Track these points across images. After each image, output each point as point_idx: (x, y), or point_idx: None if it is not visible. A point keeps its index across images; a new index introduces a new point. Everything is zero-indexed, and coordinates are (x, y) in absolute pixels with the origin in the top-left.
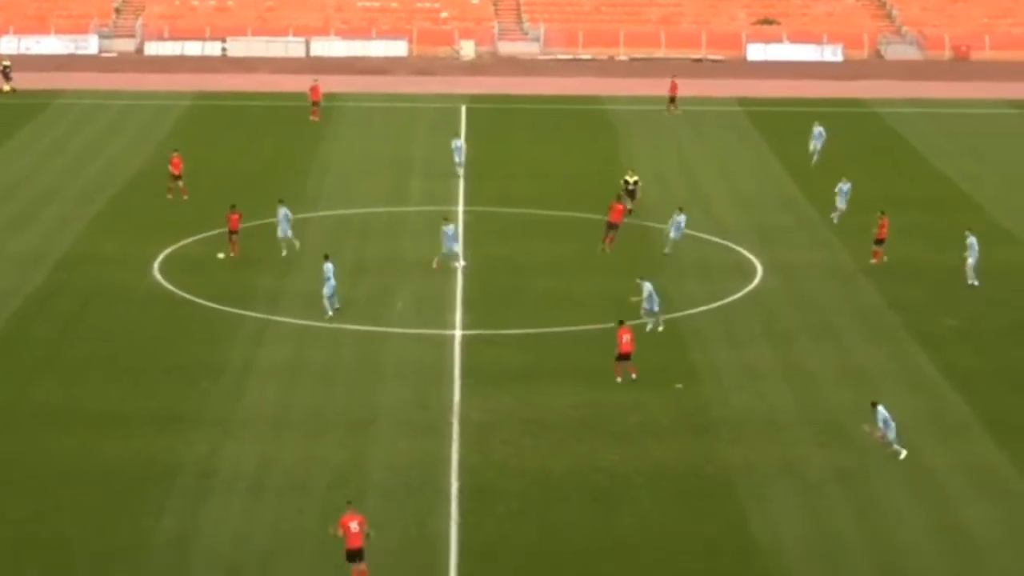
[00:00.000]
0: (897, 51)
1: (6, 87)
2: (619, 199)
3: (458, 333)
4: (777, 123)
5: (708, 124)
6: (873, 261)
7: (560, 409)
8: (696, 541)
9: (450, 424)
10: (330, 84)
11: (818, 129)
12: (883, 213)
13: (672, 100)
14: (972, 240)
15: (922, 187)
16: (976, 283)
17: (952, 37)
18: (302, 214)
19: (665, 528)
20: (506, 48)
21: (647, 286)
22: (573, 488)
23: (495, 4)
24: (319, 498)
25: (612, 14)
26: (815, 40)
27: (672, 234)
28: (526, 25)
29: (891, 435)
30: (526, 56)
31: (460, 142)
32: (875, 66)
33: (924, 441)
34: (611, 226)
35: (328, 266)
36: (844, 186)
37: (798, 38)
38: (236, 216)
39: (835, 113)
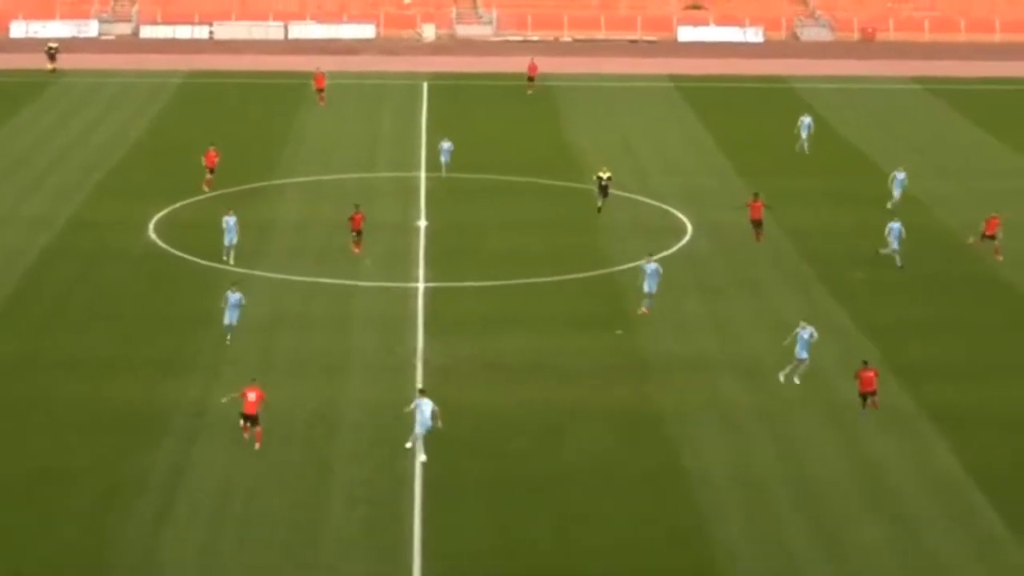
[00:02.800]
0: (811, 33)
1: (50, 66)
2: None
3: (421, 286)
4: (705, 97)
5: (643, 99)
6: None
7: (514, 353)
8: (634, 471)
9: (414, 367)
10: (306, 63)
11: (807, 120)
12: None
13: (531, 79)
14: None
15: (834, 155)
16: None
17: (860, 20)
18: (281, 179)
19: (606, 460)
20: (463, 31)
21: (651, 267)
22: (525, 424)
23: None
24: (299, 434)
25: (557, 0)
26: (738, 23)
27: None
28: (481, 10)
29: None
30: (481, 38)
31: (449, 144)
32: (791, 46)
33: (836, 382)
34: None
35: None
36: (900, 175)
37: (723, 21)
38: (360, 216)
39: (756, 88)
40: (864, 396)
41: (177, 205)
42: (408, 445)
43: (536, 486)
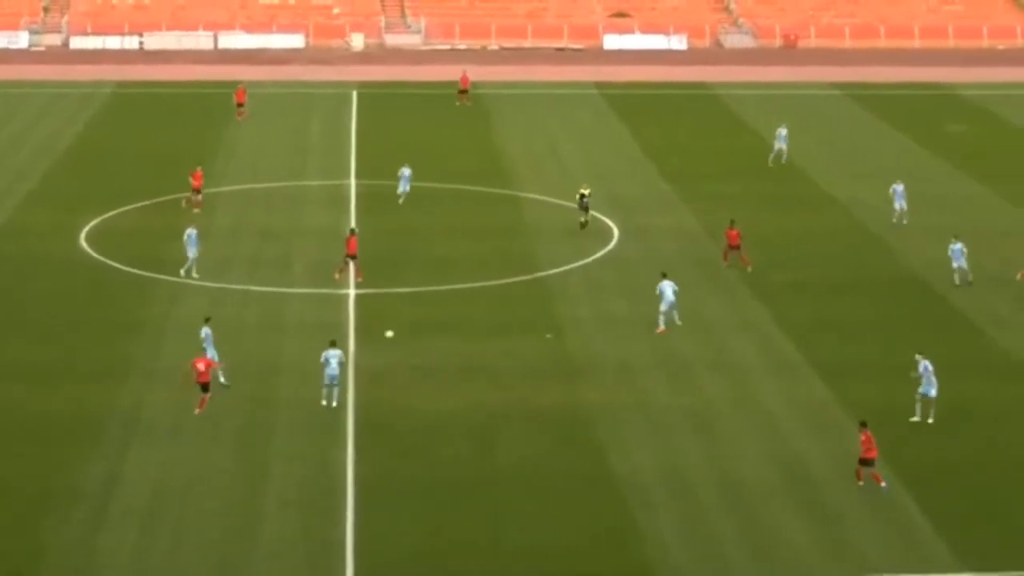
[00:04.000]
0: (734, 40)
1: None
2: (732, 224)
3: (352, 292)
4: (630, 104)
5: (570, 106)
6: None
7: (445, 357)
8: (565, 473)
9: (347, 371)
10: (236, 73)
11: (783, 131)
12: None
13: (463, 92)
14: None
15: (759, 159)
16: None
17: (782, 27)
18: (212, 188)
19: (537, 461)
20: (392, 40)
21: (667, 288)
22: (457, 427)
23: (382, 1)
24: (232, 438)
25: (485, 8)
26: (663, 31)
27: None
28: (409, 19)
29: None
30: (409, 47)
31: (409, 171)
32: (715, 54)
33: (760, 381)
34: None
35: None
36: (898, 187)
37: (648, 29)
38: (354, 239)
39: (681, 95)
40: (864, 463)
41: (108, 215)
42: (324, 403)
43: (468, 489)
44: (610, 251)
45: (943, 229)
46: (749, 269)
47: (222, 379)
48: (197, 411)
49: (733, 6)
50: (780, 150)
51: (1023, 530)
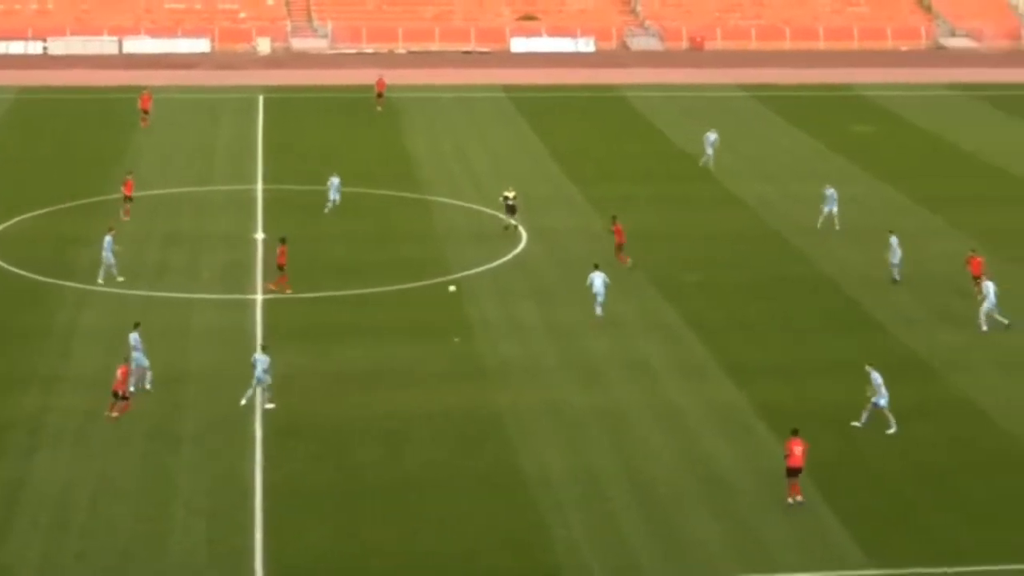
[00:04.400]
0: (641, 42)
1: None
2: (614, 220)
3: (259, 298)
4: (537, 107)
5: (477, 109)
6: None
7: (353, 362)
8: (473, 475)
9: (253, 378)
10: (141, 78)
11: (712, 136)
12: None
13: (380, 95)
14: (893, 240)
15: (665, 161)
16: (899, 279)
17: (688, 29)
18: (118, 194)
19: (446, 464)
20: (298, 44)
21: (597, 279)
22: (365, 432)
23: (288, 5)
24: (140, 446)
25: (392, 12)
26: (570, 34)
27: None
28: (316, 23)
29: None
30: (316, 51)
31: (338, 180)
32: (622, 56)
33: (670, 382)
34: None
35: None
36: (830, 191)
37: (555, 32)
38: (283, 248)
39: (588, 98)
40: (792, 472)
41: (11, 221)
42: (242, 402)
43: (379, 493)
44: (518, 254)
45: (849, 230)
46: (628, 263)
47: (148, 385)
48: (115, 415)
49: (640, 9)
50: (709, 155)
51: (931, 527)
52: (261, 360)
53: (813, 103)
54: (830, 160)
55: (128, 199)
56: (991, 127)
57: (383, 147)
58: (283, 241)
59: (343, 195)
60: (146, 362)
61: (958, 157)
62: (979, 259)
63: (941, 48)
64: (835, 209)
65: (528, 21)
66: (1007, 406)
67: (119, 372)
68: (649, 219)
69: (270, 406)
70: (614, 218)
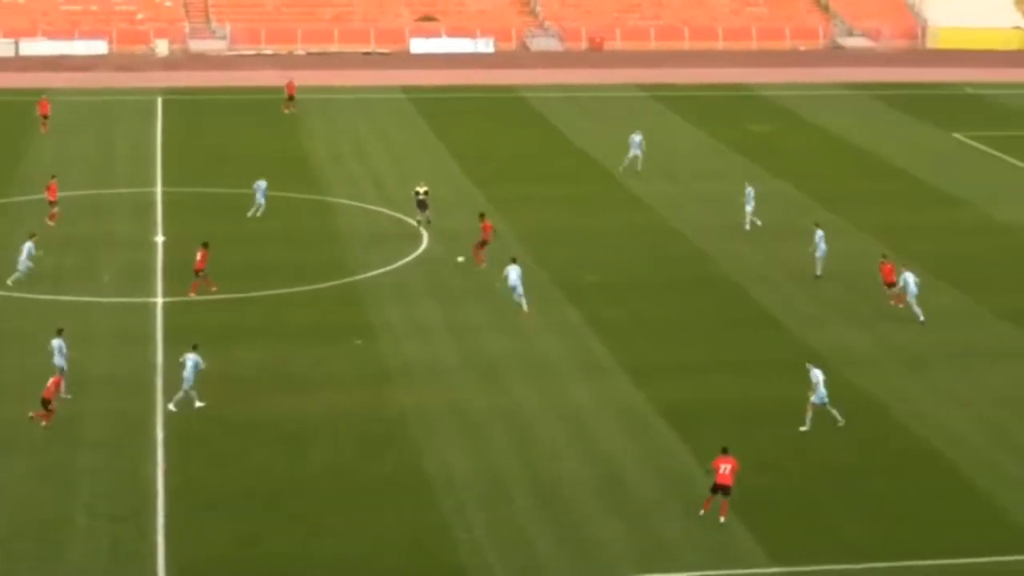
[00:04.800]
0: (540, 43)
1: None
2: (482, 217)
3: (160, 301)
4: (437, 108)
5: (377, 110)
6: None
7: (254, 365)
8: (376, 477)
9: (155, 381)
10: (38, 81)
11: (637, 138)
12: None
13: (290, 98)
14: (819, 234)
15: (565, 161)
16: (820, 274)
17: (588, 30)
18: (14, 197)
19: (348, 467)
20: (197, 46)
21: (512, 272)
22: (267, 434)
23: (186, 6)
24: (40, 450)
25: (291, 13)
26: (470, 34)
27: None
28: (214, 24)
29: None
30: (215, 52)
31: (264, 183)
32: (522, 56)
33: (571, 382)
34: (484, 243)
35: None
36: (750, 190)
37: (455, 33)
38: (204, 253)
39: (487, 98)
40: (718, 489)
41: None
42: (171, 406)
43: (280, 496)
44: (420, 255)
45: (751, 228)
46: (460, 259)
47: (63, 392)
48: (44, 423)
49: (539, 9)
50: (635, 156)
51: (834, 526)
52: (191, 358)
53: (712, 103)
54: (730, 159)
55: (52, 203)
56: (888, 126)
57: (283, 149)
58: (205, 246)
59: (241, 196)
60: (65, 368)
61: (857, 156)
62: (890, 265)
63: (839, 48)
64: (750, 208)
65: (428, 22)
66: (909, 404)
67: (51, 381)
68: (550, 219)
69: (199, 404)
70: (482, 215)
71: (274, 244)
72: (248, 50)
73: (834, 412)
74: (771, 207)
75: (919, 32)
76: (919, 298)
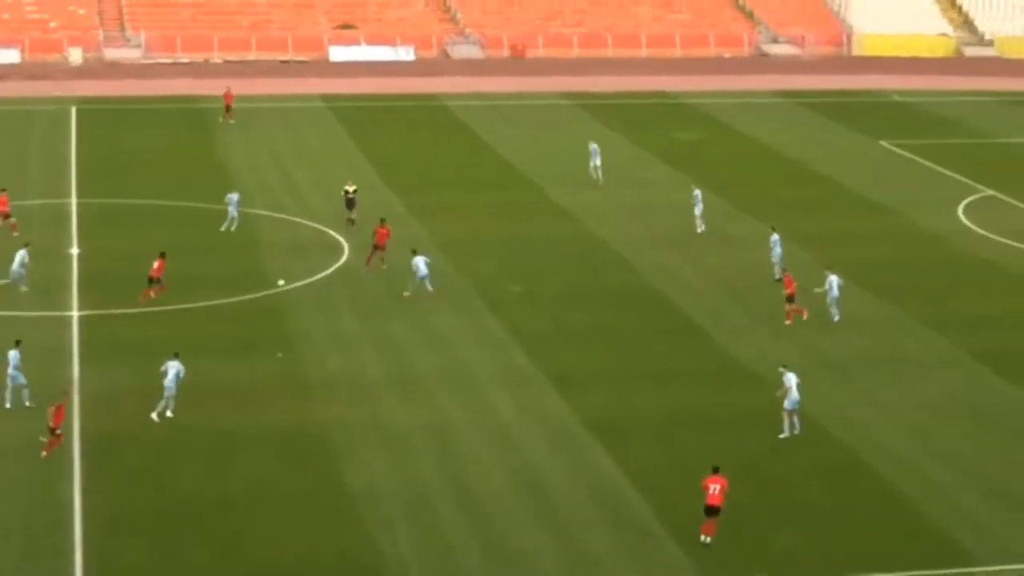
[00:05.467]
0: (462, 51)
1: None
2: (382, 222)
3: (75, 314)
4: (357, 117)
5: (296, 119)
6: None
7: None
8: (299, 492)
9: (71, 398)
10: None
11: (593, 146)
12: (383, 220)
13: (228, 108)
14: (774, 237)
15: (487, 170)
16: (779, 277)
17: (510, 37)
18: None
19: (271, 482)
20: (111, 54)
21: (420, 263)
22: (188, 450)
23: (100, 14)
24: None
25: (207, 21)
26: (390, 42)
27: None
28: (129, 32)
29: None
30: (129, 61)
31: (237, 195)
32: (443, 64)
33: (495, 394)
34: (377, 247)
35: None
36: (696, 192)
37: (374, 40)
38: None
39: (410, 107)
40: (709, 510)
41: None
42: (153, 415)
43: (201, 513)
44: (340, 266)
45: (673, 237)
46: (368, 267)
47: (27, 402)
48: (43, 454)
49: (460, 16)
50: (596, 165)
51: (764, 538)
52: (173, 366)
53: (637, 111)
54: (655, 167)
55: (6, 216)
56: (815, 134)
57: (200, 159)
58: (163, 255)
59: (157, 207)
60: (23, 380)
61: (783, 164)
62: (791, 279)
63: (764, 55)
64: (698, 210)
65: (346, 30)
66: (836, 413)
67: (52, 410)
68: (472, 228)
69: (169, 414)
70: (382, 220)
71: (193, 256)
72: (164, 58)
73: (795, 420)
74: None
75: (845, 39)
76: (839, 301)
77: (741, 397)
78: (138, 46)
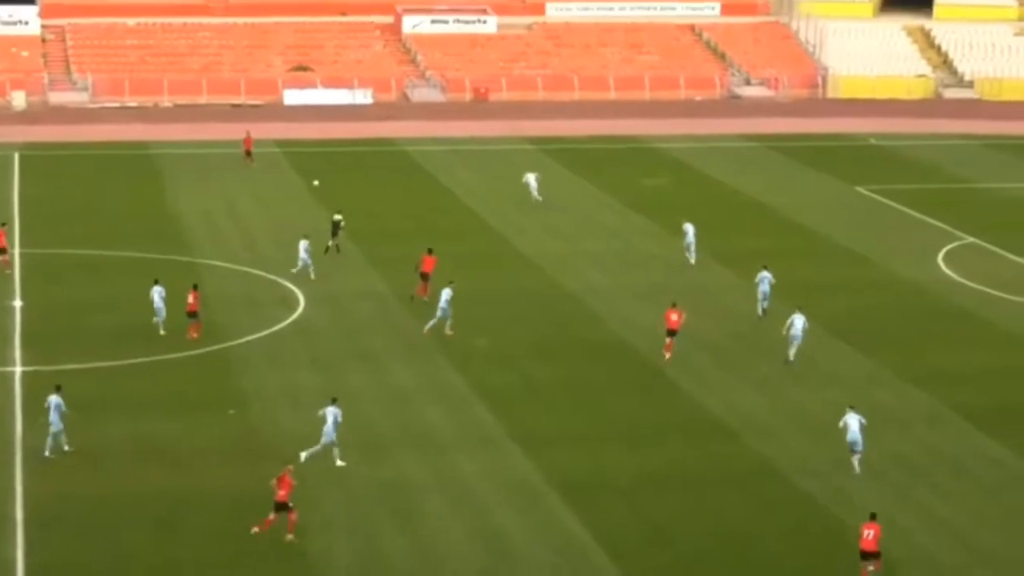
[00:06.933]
0: (422, 94)
1: None
2: (429, 252)
3: (18, 370)
4: (313, 163)
5: (248, 166)
6: (420, 295)
7: (118, 439)
8: (249, 556)
9: (13, 457)
10: None
11: (530, 176)
12: (430, 251)
13: (248, 153)
14: (765, 275)
15: (450, 218)
16: (760, 315)
17: (472, 80)
18: None
19: (219, 546)
20: (57, 98)
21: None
22: (134, 513)
23: (44, 56)
24: None
25: (156, 63)
26: (347, 85)
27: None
28: (75, 75)
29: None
30: (76, 105)
31: (305, 241)
32: (402, 108)
33: (458, 453)
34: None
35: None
36: (686, 226)
37: (331, 83)
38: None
39: (368, 152)
40: (867, 556)
41: None
42: (303, 456)
43: (148, 575)
44: (296, 319)
45: (642, 287)
46: (425, 296)
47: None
48: (289, 536)
49: (420, 58)
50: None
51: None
52: (332, 412)
53: (604, 156)
54: (623, 215)
55: (2, 251)
56: (788, 179)
57: (148, 207)
58: (195, 287)
59: (104, 258)
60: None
61: (755, 210)
62: (675, 313)
63: (736, 98)
64: (689, 242)
65: (302, 72)
66: (805, 468)
67: (275, 482)
68: (434, 279)
69: (340, 463)
70: (430, 250)
71: (141, 309)
72: (111, 102)
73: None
74: (667, 265)
75: (820, 81)
76: (801, 345)
77: (711, 451)
78: (84, 89)
